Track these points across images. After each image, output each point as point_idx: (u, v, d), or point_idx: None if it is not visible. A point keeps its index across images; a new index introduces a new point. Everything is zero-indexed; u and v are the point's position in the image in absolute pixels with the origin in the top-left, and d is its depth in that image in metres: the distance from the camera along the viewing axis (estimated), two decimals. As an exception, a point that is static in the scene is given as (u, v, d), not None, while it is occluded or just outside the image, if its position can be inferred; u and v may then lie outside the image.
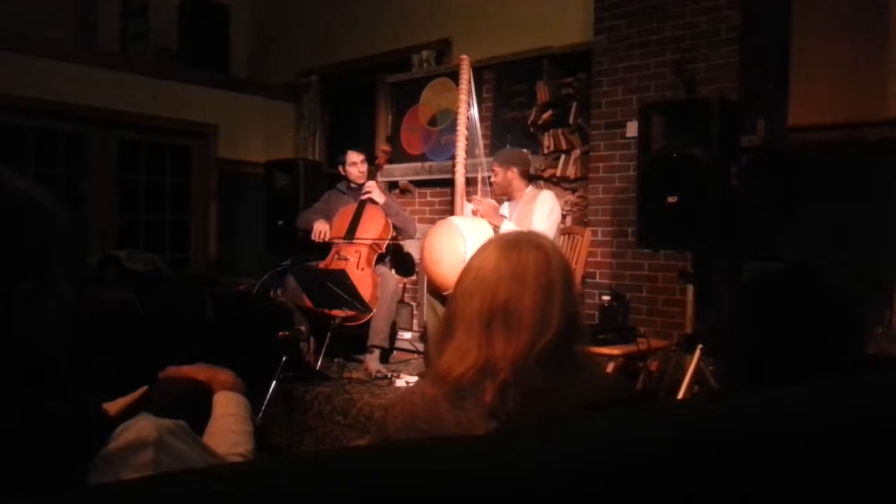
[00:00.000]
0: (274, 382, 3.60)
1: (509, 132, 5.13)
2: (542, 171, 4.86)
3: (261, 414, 3.41)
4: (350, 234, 4.45)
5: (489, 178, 4.32)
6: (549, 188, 4.63)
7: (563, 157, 4.79)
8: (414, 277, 5.33)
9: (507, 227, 3.91)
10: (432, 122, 5.64)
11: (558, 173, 4.79)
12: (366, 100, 6.64)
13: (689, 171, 3.41)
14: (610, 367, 3.47)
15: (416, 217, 5.19)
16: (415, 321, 5.44)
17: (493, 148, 4.96)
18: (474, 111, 4.53)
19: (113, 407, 1.23)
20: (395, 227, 4.56)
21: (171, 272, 5.55)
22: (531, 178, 4.46)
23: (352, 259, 4.37)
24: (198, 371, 1.37)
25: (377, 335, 4.25)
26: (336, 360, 4.22)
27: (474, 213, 4.18)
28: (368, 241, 4.42)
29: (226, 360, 1.44)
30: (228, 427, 1.25)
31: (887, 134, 3.67)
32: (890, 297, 3.56)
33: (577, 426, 0.65)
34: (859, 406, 0.72)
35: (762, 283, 1.40)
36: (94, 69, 5.97)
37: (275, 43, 7.22)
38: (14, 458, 0.77)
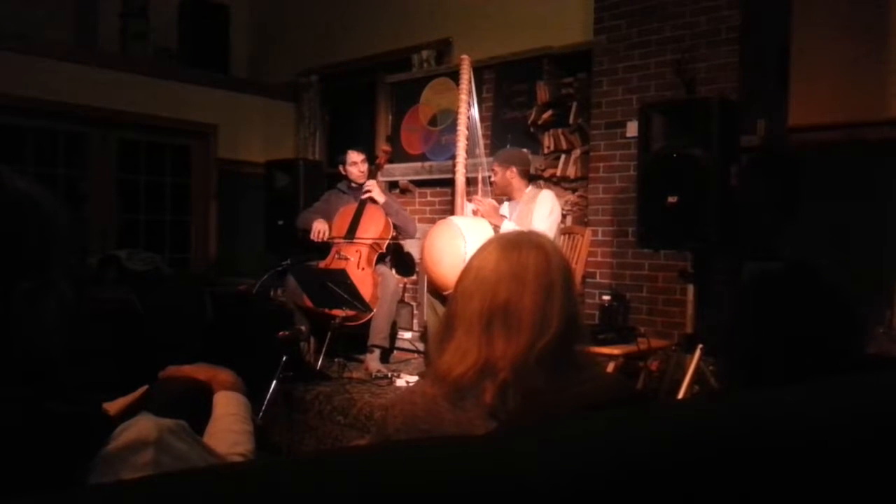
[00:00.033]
0: (274, 382, 3.60)
1: (509, 132, 5.13)
2: (543, 170, 4.86)
3: (261, 414, 3.41)
4: (350, 233, 4.45)
5: (489, 177, 4.32)
6: (549, 188, 4.63)
7: (563, 156, 4.79)
8: (414, 277, 5.33)
9: (508, 226, 3.91)
10: (432, 121, 5.64)
11: (558, 173, 4.79)
12: (366, 100, 6.64)
13: (689, 171, 3.41)
14: (610, 367, 3.47)
15: (417, 217, 5.19)
16: (415, 321, 5.44)
17: (494, 148, 4.96)
18: (475, 111, 4.53)
19: (113, 407, 1.23)
20: (395, 227, 4.56)
21: (171, 272, 5.55)
22: (531, 178, 4.46)
23: (352, 259, 4.37)
24: (198, 371, 1.37)
25: (377, 335, 4.25)
26: (336, 359, 4.22)
27: (475, 212, 4.18)
28: (369, 241, 4.42)
29: (226, 359, 1.44)
30: (229, 427, 1.25)
31: (887, 134, 3.67)
32: (890, 297, 3.56)
33: (577, 426, 0.65)
34: (859, 406, 0.72)
35: (762, 283, 1.40)
36: (94, 69, 5.97)
37: (275, 43, 7.22)
38: (14, 458, 0.77)
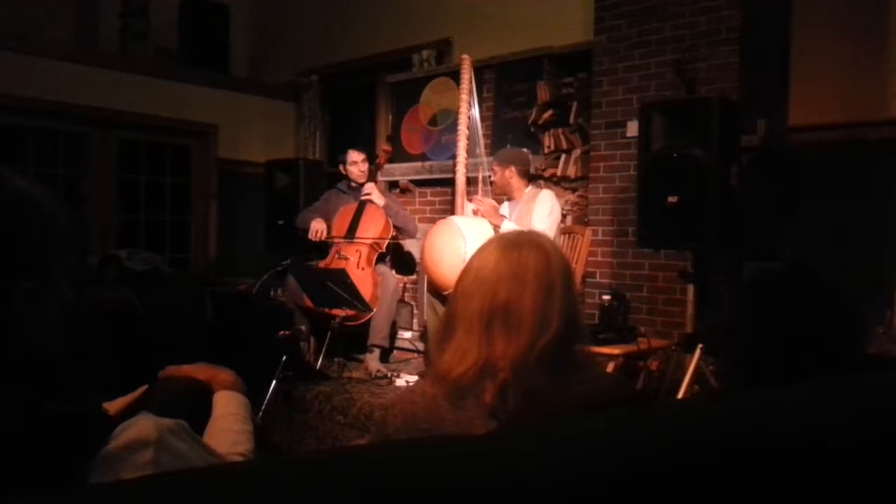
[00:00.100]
0: (274, 382, 3.60)
1: (510, 132, 5.13)
2: (543, 170, 4.87)
3: (261, 413, 3.41)
4: (350, 233, 4.45)
5: (490, 177, 4.32)
6: (549, 188, 4.63)
7: (563, 156, 4.79)
8: (414, 277, 5.33)
9: (508, 226, 3.91)
10: (433, 121, 5.64)
11: (559, 173, 4.79)
12: (366, 100, 6.64)
13: (689, 170, 3.41)
14: (610, 367, 3.47)
15: (417, 217, 5.19)
16: (415, 321, 5.44)
17: (494, 147, 4.96)
18: (475, 111, 4.53)
19: (113, 407, 1.23)
20: (395, 227, 4.56)
21: (171, 272, 5.55)
22: (531, 178, 4.46)
23: (352, 258, 4.37)
24: (198, 370, 1.37)
25: (377, 334, 4.25)
26: (336, 359, 4.22)
27: (475, 212, 4.18)
28: (369, 241, 4.42)
29: (226, 359, 1.44)
30: (228, 426, 1.25)
31: (887, 134, 3.67)
32: (890, 297, 3.56)
33: (577, 426, 0.65)
34: (859, 406, 0.72)
35: (762, 283, 1.40)
36: (94, 69, 5.97)
37: (275, 43, 7.22)
38: (14, 458, 0.77)
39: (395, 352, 4.72)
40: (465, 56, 4.55)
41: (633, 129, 4.10)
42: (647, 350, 3.65)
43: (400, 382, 4.00)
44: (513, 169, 4.17)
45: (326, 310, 4.16)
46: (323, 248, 4.66)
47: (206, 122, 6.69)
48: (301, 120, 6.98)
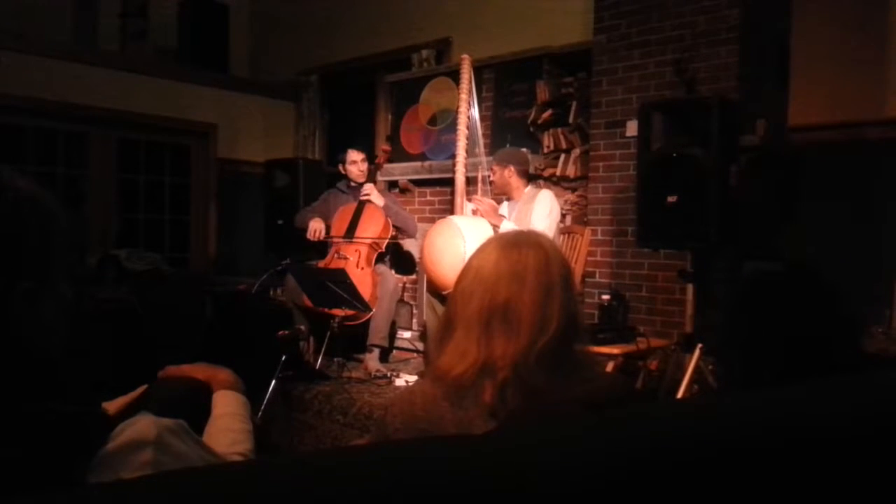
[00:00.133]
0: (274, 382, 3.60)
1: (509, 131, 5.13)
2: (542, 170, 4.87)
3: (260, 413, 3.41)
4: (350, 233, 4.44)
5: (489, 177, 4.32)
6: (548, 187, 4.63)
7: (562, 156, 4.79)
8: (414, 277, 5.33)
9: (507, 226, 3.91)
10: (432, 121, 5.64)
11: (558, 172, 4.79)
12: (366, 99, 6.64)
13: (689, 170, 3.42)
14: (610, 367, 3.47)
15: (416, 216, 5.19)
16: (414, 320, 5.44)
17: (494, 147, 4.96)
18: (474, 110, 4.53)
19: (113, 406, 1.23)
20: (395, 227, 4.56)
21: (170, 272, 5.56)
22: (531, 178, 4.46)
23: (351, 258, 4.37)
24: (197, 370, 1.37)
25: (377, 334, 4.25)
26: (335, 359, 4.22)
27: (474, 212, 4.18)
28: (368, 241, 4.42)
29: (225, 359, 1.44)
30: (228, 426, 1.25)
31: (887, 134, 3.67)
32: (890, 297, 3.56)
33: (577, 426, 0.65)
34: (859, 406, 0.72)
35: (760, 283, 1.40)
36: (94, 69, 5.97)
37: (274, 43, 7.22)
38: (14, 458, 0.77)
39: (394, 352, 4.72)
40: (465, 56, 4.55)
41: (632, 128, 4.10)
42: (647, 350, 3.65)
43: (399, 382, 4.00)
44: (512, 168, 4.17)
45: (326, 310, 4.16)
46: (322, 247, 4.66)
47: (205, 121, 6.70)
48: (300, 120, 6.98)
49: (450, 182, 4.76)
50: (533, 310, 1.23)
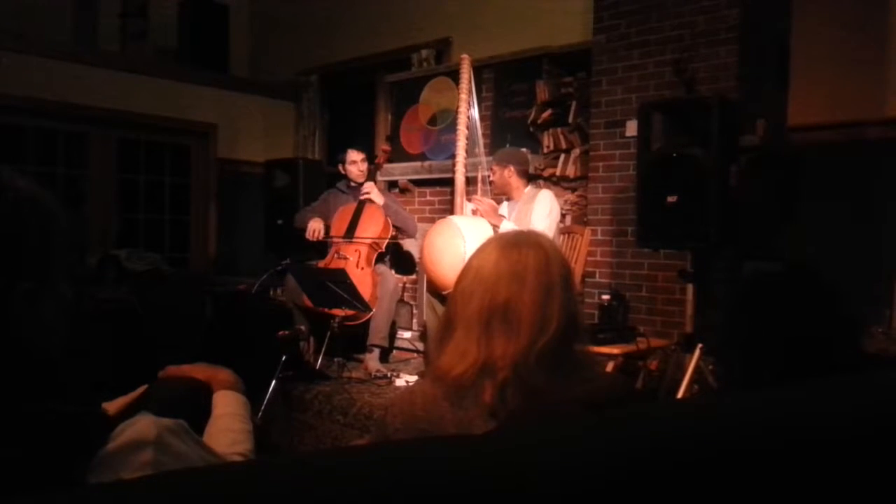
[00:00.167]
0: (274, 382, 3.60)
1: (509, 131, 5.13)
2: (542, 170, 4.87)
3: (261, 413, 3.41)
4: (349, 233, 4.44)
5: (489, 177, 4.32)
6: (548, 187, 4.63)
7: (562, 156, 4.79)
8: (414, 277, 5.33)
9: (507, 226, 3.91)
10: (432, 121, 5.64)
11: (558, 172, 4.79)
12: (366, 99, 6.64)
13: (689, 170, 3.42)
14: (610, 367, 3.47)
15: (416, 216, 5.19)
16: (414, 320, 5.44)
17: (493, 147, 4.96)
18: (474, 110, 4.53)
19: (113, 406, 1.23)
20: (395, 227, 4.56)
21: (170, 272, 5.56)
22: (531, 178, 4.46)
23: (351, 258, 4.37)
24: (197, 370, 1.37)
25: (377, 334, 4.24)
26: (336, 359, 4.22)
27: (474, 212, 4.18)
28: (368, 241, 4.42)
29: (225, 359, 1.44)
30: (228, 426, 1.25)
31: (887, 134, 3.68)
32: (890, 297, 3.56)
33: (577, 426, 0.65)
34: (859, 406, 0.72)
35: (760, 283, 1.40)
36: (94, 69, 5.97)
37: (274, 43, 7.22)
38: (14, 458, 0.77)
39: (394, 352, 4.72)
40: (465, 56, 4.55)
41: (632, 128, 4.10)
42: (647, 350, 3.65)
43: (399, 382, 4.00)
44: (512, 168, 4.17)
45: (326, 310, 4.16)
46: (322, 247, 4.66)
47: (205, 121, 6.70)
48: (300, 120, 6.98)
49: (450, 182, 4.76)
50: (533, 310, 1.23)
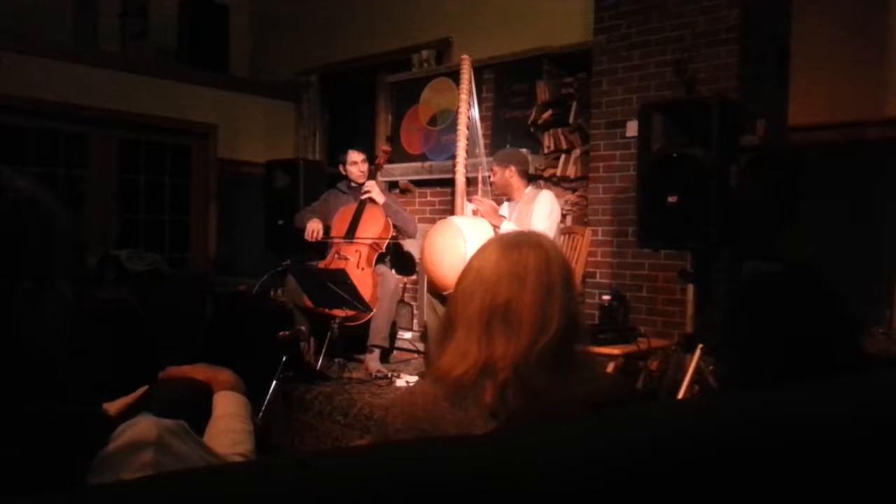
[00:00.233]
0: (274, 382, 3.60)
1: (509, 132, 5.13)
2: (543, 170, 4.86)
3: (261, 414, 3.41)
4: (350, 233, 4.44)
5: (489, 177, 4.33)
6: (549, 188, 4.63)
7: (563, 156, 4.79)
8: (414, 277, 5.33)
9: (507, 227, 3.91)
10: (432, 121, 5.64)
11: (558, 173, 4.79)
12: (366, 100, 6.64)
13: (689, 170, 3.42)
14: (610, 367, 3.47)
15: (417, 217, 5.19)
16: (415, 321, 5.44)
17: (494, 148, 4.96)
18: (475, 111, 4.54)
19: (113, 407, 1.23)
20: (395, 227, 4.56)
21: (170, 272, 5.56)
22: (531, 178, 4.46)
23: (352, 259, 4.37)
24: (198, 371, 1.37)
25: (377, 335, 4.25)
26: (336, 359, 4.22)
27: (474, 212, 4.18)
28: (368, 241, 4.42)
29: (226, 360, 1.44)
30: (229, 426, 1.25)
31: (887, 134, 3.68)
32: (890, 297, 3.56)
33: (577, 426, 0.65)
34: (859, 406, 0.72)
35: (760, 284, 1.40)
36: (94, 69, 5.97)
37: (274, 43, 7.22)
38: (14, 458, 0.77)
39: (395, 352, 4.72)
40: (465, 56, 4.55)
41: (632, 129, 4.10)
42: (647, 350, 3.65)
43: (400, 383, 4.00)
44: (513, 169, 4.17)
45: (326, 310, 4.16)
46: (323, 248, 4.66)
47: (205, 122, 6.70)
48: (301, 120, 6.98)
49: (450, 182, 4.76)
50: (533, 310, 1.23)
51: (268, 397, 3.55)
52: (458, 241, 3.77)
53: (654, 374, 3.70)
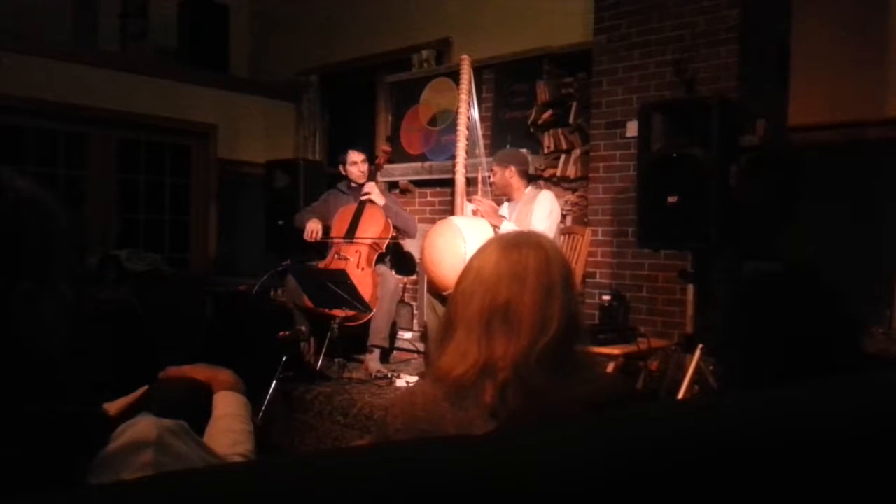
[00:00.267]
0: (274, 382, 3.60)
1: (509, 132, 5.13)
2: (543, 170, 4.86)
3: (261, 414, 3.41)
4: (350, 233, 4.44)
5: (489, 177, 4.33)
6: (549, 188, 4.63)
7: (563, 156, 4.79)
8: (414, 277, 5.33)
9: (507, 227, 3.91)
10: (432, 121, 5.64)
11: (558, 173, 4.79)
12: (366, 100, 6.64)
13: (689, 170, 3.42)
14: (610, 367, 3.47)
15: (417, 217, 5.19)
16: (415, 321, 5.44)
17: (494, 148, 4.96)
18: (474, 111, 4.53)
19: (113, 407, 1.23)
20: (395, 228, 4.56)
21: (170, 272, 5.56)
22: (531, 178, 4.46)
23: (352, 259, 4.37)
24: (198, 371, 1.37)
25: (377, 335, 4.24)
26: (336, 360, 4.22)
27: (474, 213, 4.18)
28: (368, 241, 4.42)
29: (226, 360, 1.44)
30: (229, 427, 1.25)
31: (887, 134, 3.68)
32: (890, 297, 3.56)
33: (577, 426, 0.65)
34: (859, 406, 0.72)
35: (760, 284, 1.40)
36: (94, 69, 5.97)
37: (274, 43, 7.22)
38: (14, 458, 0.77)
39: (395, 352, 4.72)
40: (465, 56, 4.55)
41: (632, 129, 4.10)
42: (647, 350, 3.65)
43: (400, 383, 4.00)
44: (513, 169, 4.17)
45: (326, 310, 4.16)
46: (323, 248, 4.66)
47: (205, 122, 6.70)
48: (301, 120, 6.98)
49: (450, 183, 4.76)
50: (533, 310, 1.23)
51: (268, 397, 3.55)
52: (458, 242, 3.77)
53: (654, 374, 3.70)
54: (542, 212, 4.01)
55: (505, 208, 4.28)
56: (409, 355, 4.84)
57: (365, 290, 4.09)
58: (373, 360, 4.24)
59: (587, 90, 4.59)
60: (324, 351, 4.18)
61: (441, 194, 5.50)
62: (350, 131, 6.73)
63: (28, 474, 0.77)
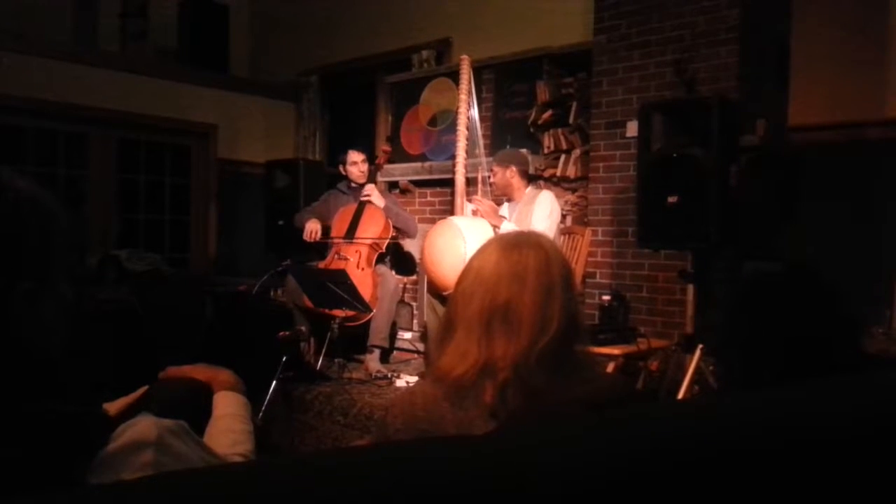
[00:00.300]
0: (274, 382, 3.60)
1: (509, 132, 5.13)
2: (543, 170, 4.86)
3: (261, 414, 3.41)
4: (350, 233, 4.44)
5: (489, 178, 4.33)
6: (549, 188, 4.63)
7: (563, 156, 4.79)
8: (414, 277, 5.33)
9: (507, 227, 3.91)
10: (432, 122, 5.64)
11: (558, 173, 4.79)
12: (366, 100, 6.64)
13: (689, 171, 3.42)
14: (610, 367, 3.47)
15: (417, 217, 5.19)
16: (415, 321, 5.44)
17: (494, 148, 4.96)
18: (474, 111, 4.53)
19: (113, 407, 1.23)
20: (395, 228, 4.56)
21: (170, 272, 5.56)
22: (531, 178, 4.46)
23: (352, 259, 4.37)
24: (198, 371, 1.37)
25: (377, 335, 4.24)
26: (336, 360, 4.22)
27: (474, 213, 4.18)
28: (368, 241, 4.42)
29: (226, 360, 1.44)
30: (229, 427, 1.25)
31: (887, 134, 3.68)
32: (890, 297, 3.56)
33: (577, 426, 0.65)
34: (859, 406, 0.72)
35: (760, 284, 1.40)
36: (94, 69, 5.97)
37: (275, 43, 7.22)
38: (14, 458, 0.77)
39: (395, 352, 4.72)
40: (465, 56, 4.55)
41: (632, 129, 4.10)
42: (647, 350, 3.65)
43: (400, 383, 4.00)
44: (513, 169, 4.17)
45: (326, 310, 4.16)
46: (323, 248, 4.66)
47: (205, 122, 6.70)
48: (301, 120, 6.98)
49: (450, 183, 4.76)
50: (533, 310, 1.23)
51: (268, 397, 3.55)
52: (458, 242, 3.77)
53: (654, 374, 3.70)
54: (542, 212, 4.01)
55: (505, 208, 4.28)
56: (409, 355, 4.84)
57: (365, 291, 4.09)
58: (373, 361, 4.24)
59: (587, 90, 4.59)
60: (324, 351, 4.18)
61: (441, 194, 5.50)
62: (350, 131, 6.73)
63: (28, 474, 0.77)
